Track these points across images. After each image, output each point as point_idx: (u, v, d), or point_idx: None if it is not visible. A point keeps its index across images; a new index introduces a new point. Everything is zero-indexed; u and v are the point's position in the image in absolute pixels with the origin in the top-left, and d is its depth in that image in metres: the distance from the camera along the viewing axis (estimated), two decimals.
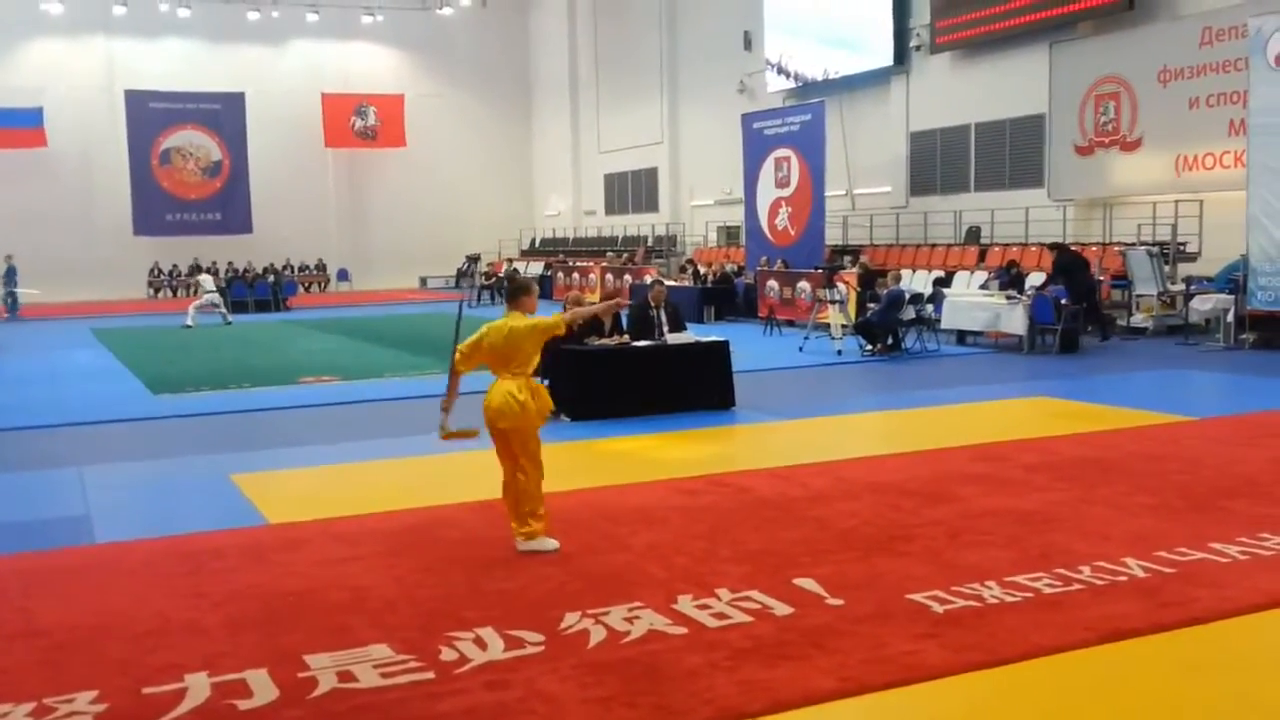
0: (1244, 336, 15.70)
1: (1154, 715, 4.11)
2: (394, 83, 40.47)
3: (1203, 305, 16.50)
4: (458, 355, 6.40)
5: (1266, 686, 4.34)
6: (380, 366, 16.19)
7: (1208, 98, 18.55)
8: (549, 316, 6.52)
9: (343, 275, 40.40)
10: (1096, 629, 4.86)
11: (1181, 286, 17.83)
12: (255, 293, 30.83)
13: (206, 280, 27.04)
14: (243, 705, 4.24)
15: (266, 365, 16.60)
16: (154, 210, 37.51)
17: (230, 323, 25.08)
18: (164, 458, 9.80)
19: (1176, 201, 18.77)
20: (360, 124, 40.07)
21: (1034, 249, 21.13)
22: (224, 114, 37.95)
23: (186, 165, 38.04)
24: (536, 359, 6.38)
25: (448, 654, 4.69)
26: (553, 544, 6.22)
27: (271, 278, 33.57)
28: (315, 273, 40.14)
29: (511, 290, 6.58)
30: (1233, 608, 5.11)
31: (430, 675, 4.48)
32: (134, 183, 37.17)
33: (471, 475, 8.59)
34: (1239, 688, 4.32)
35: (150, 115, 37.21)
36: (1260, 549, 5.98)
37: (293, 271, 38.67)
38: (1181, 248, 18.66)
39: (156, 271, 38.14)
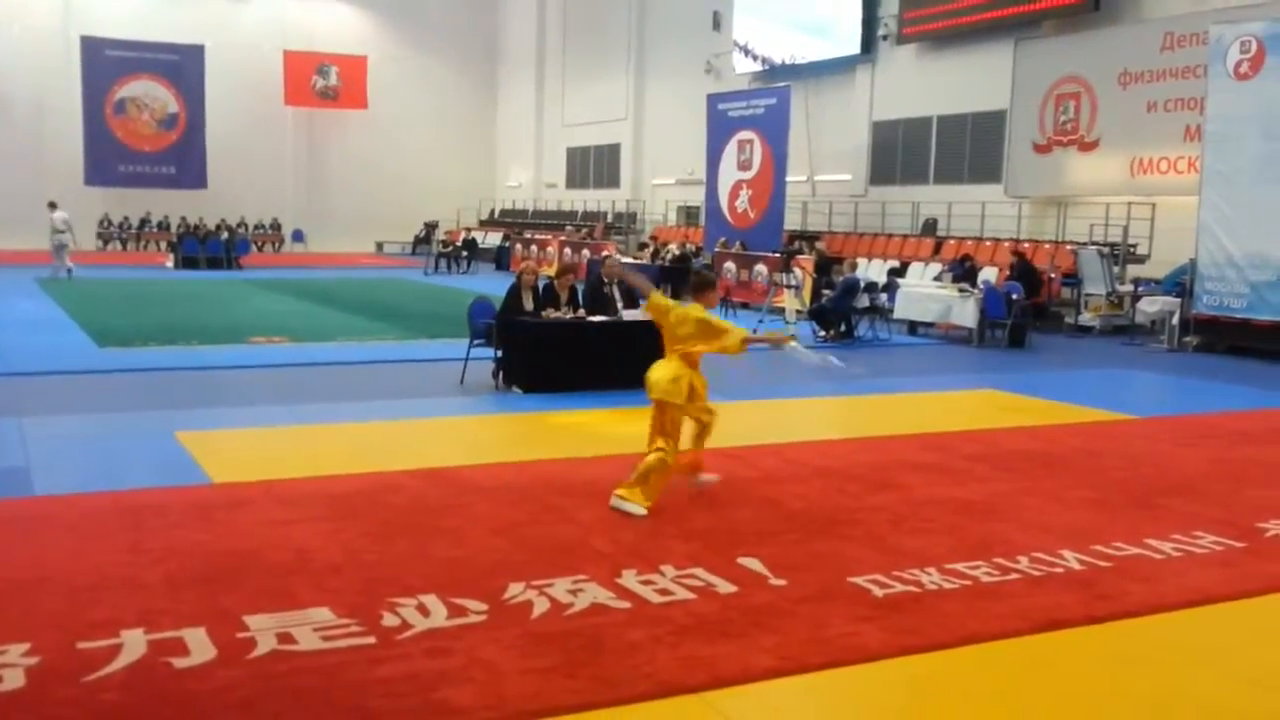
0: (1188, 339, 15.99)
1: (1084, 704, 4.19)
2: (357, 43, 39.94)
3: (1149, 307, 16.78)
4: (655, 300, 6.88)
5: (1194, 680, 4.44)
6: (333, 330, 16.05)
7: (1165, 102, 18.82)
8: (730, 327, 6.79)
9: (298, 236, 39.91)
10: (1032, 618, 4.95)
11: (1130, 287, 18.12)
12: (207, 249, 30.40)
13: (58, 218, 24.73)
14: (179, 663, 4.21)
15: (216, 323, 16.39)
16: (106, 160, 36.78)
17: (70, 277, 23.48)
18: (107, 412, 9.66)
19: (1129, 204, 19.04)
20: (321, 83, 39.52)
21: (988, 244, 21.35)
22: (182, 66, 37.21)
23: (141, 116, 37.31)
24: (699, 351, 6.73)
25: (390, 619, 4.68)
26: (640, 510, 6.41)
27: (225, 235, 33.09)
28: (270, 232, 39.61)
29: (696, 283, 7.00)
30: (1165, 603, 5.22)
31: (371, 640, 4.47)
32: (87, 131, 36.40)
33: (420, 442, 8.59)
34: (1167, 680, 4.43)
35: (106, 63, 36.43)
36: (1194, 546, 6.11)
37: (246, 230, 38.11)
38: (1132, 249, 18.94)
39: (106, 223, 37.46)
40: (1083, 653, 4.68)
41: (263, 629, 4.53)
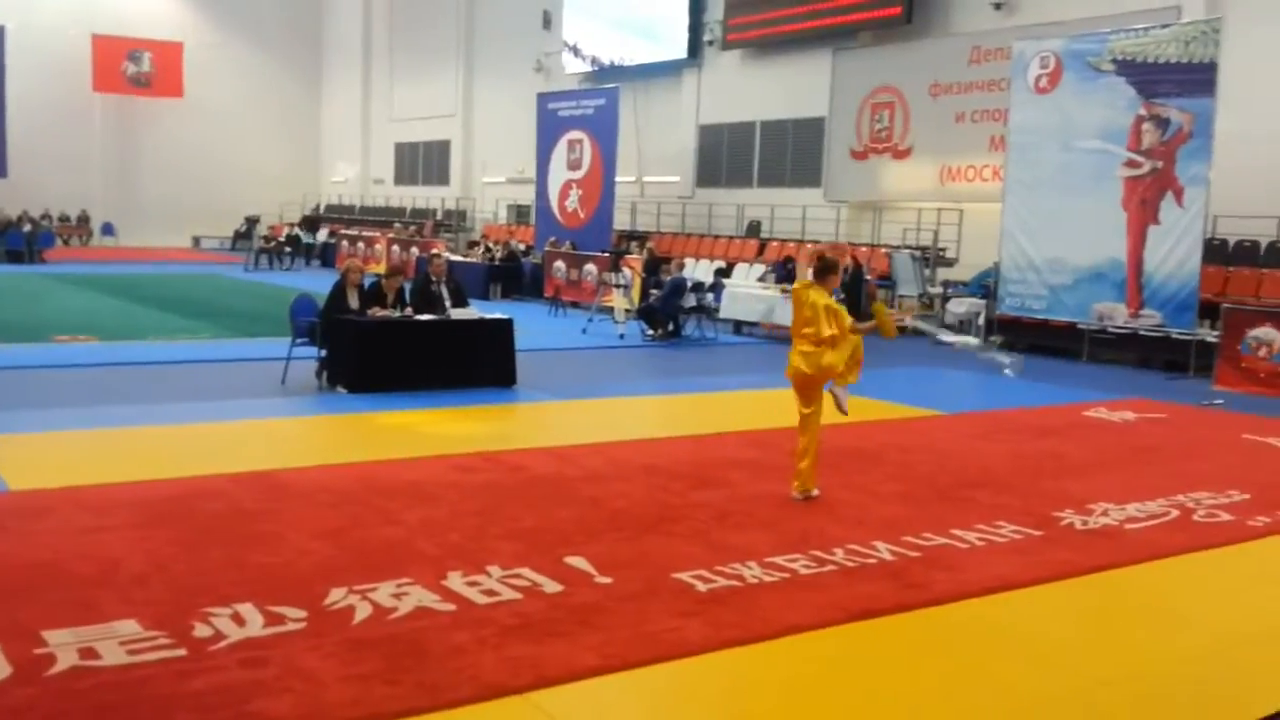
0: (993, 339, 16.86)
1: (892, 689, 4.39)
2: (173, 29, 38.21)
3: (958, 308, 17.62)
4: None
5: (992, 662, 4.70)
6: (145, 328, 15.36)
7: (973, 113, 19.78)
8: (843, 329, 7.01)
9: (108, 229, 37.89)
10: (847, 608, 5.14)
11: (940, 289, 18.99)
12: (6, 242, 28.56)
13: None
14: None
15: (15, 321, 15.45)
16: None
17: None
18: None
19: (939, 209, 19.95)
20: (133, 69, 37.68)
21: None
22: None
23: None
24: (825, 332, 6.95)
25: (202, 630, 4.51)
26: (812, 493, 7.00)
27: (27, 227, 31.14)
28: (77, 225, 37.52)
29: (818, 269, 7.23)
30: (968, 590, 5.50)
31: (181, 652, 4.30)
32: None
33: (237, 444, 8.31)
34: (968, 663, 4.67)
35: None
36: (995, 536, 6.47)
37: (51, 222, 35.99)
38: (942, 253, 19.85)
39: None
40: (893, 640, 4.90)
41: (62, 644, 4.30)
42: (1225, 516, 7.14)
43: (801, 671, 4.53)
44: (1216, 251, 15.73)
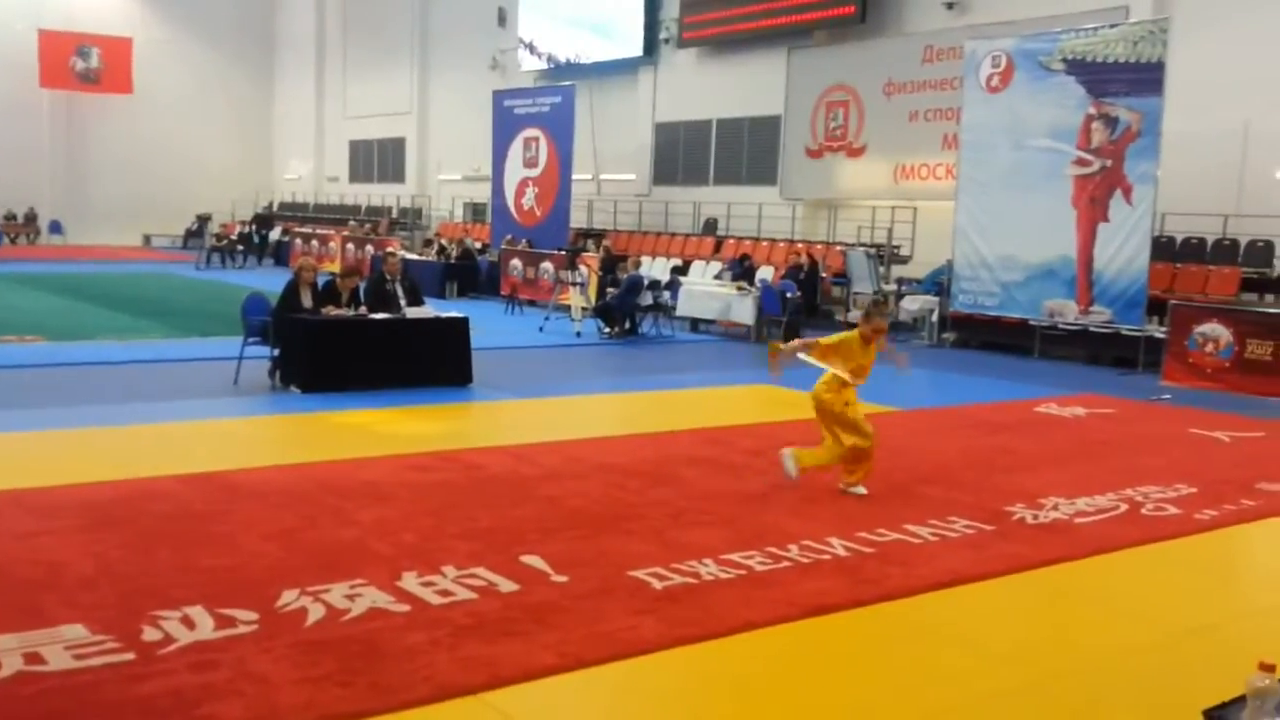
0: (946, 335, 17.04)
1: (849, 684, 4.42)
2: (122, 24, 37.66)
3: (911, 305, 17.77)
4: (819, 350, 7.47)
5: (948, 656, 4.74)
6: (94, 328, 15.13)
7: (926, 112, 19.95)
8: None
9: (55, 228, 37.28)
10: (801, 604, 5.16)
11: (894, 287, 19.13)
12: None
13: None
14: None
15: None
16: None
17: None
18: None
19: (893, 207, 20.10)
20: (82, 65, 37.09)
21: (765, 244, 22.12)
22: None
23: None
24: (849, 364, 7.36)
25: (151, 634, 4.45)
26: (860, 490, 7.29)
27: None
28: (24, 223, 36.86)
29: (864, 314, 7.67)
30: (921, 585, 5.55)
31: (130, 656, 4.23)
32: None
33: (188, 445, 8.21)
34: (920, 658, 4.71)
35: None
36: (947, 531, 6.53)
37: None
38: (896, 250, 20.01)
39: None
40: (846, 635, 4.93)
41: (7, 649, 4.23)
42: (1173, 510, 7.26)
43: (756, 668, 4.55)
44: (1164, 249, 15.97)
